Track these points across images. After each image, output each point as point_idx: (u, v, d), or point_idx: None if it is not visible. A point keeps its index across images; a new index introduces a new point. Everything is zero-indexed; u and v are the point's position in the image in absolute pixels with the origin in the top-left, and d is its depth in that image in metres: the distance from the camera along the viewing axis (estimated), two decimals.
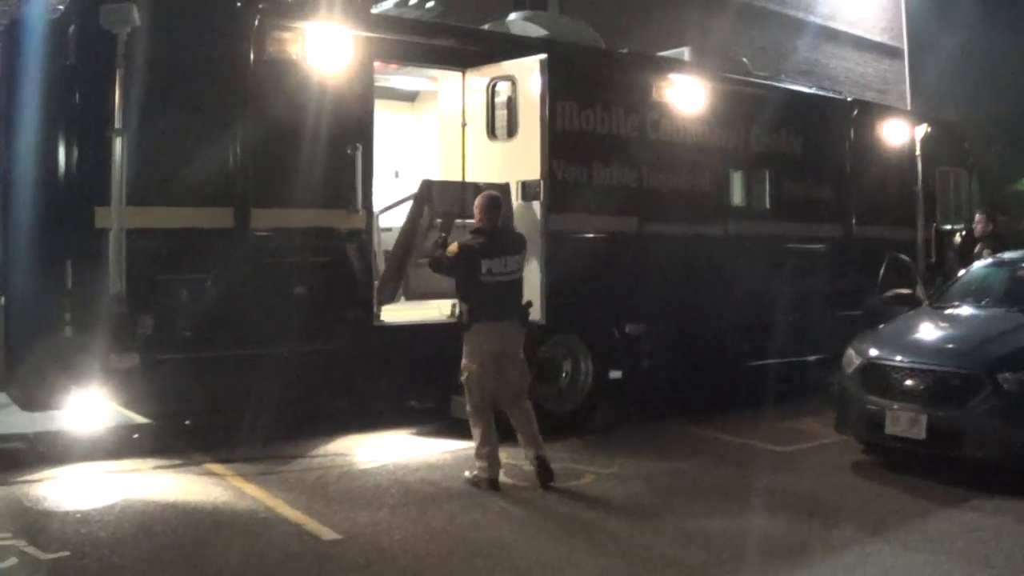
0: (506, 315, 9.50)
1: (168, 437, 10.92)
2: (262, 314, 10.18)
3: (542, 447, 9.54)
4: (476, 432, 9.50)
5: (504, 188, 10.91)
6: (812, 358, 15.30)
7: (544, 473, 9.43)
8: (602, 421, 12.25)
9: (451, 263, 9.53)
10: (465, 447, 10.09)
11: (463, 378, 9.57)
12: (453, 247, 9.52)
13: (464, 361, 9.54)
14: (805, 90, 16.82)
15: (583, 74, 12.41)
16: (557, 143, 11.37)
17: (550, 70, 11.02)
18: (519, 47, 11.98)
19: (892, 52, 33.27)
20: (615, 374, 12.70)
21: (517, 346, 9.62)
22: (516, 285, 9.64)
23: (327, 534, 7.99)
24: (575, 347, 12.03)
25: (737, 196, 14.23)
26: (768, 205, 14.50)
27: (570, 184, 11.96)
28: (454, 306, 10.39)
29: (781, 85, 16.23)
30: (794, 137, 14.83)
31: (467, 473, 9.62)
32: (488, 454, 9.43)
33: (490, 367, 9.44)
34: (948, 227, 17.49)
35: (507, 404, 9.60)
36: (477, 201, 9.78)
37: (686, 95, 13.15)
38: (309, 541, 7.86)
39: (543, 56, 11.08)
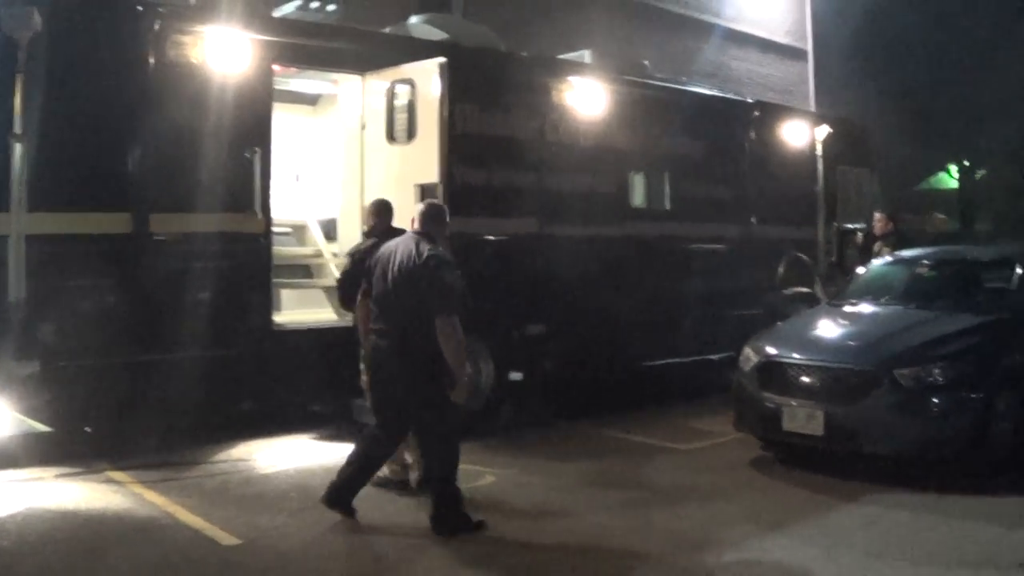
0: None
1: (69, 444, 10.78)
2: (162, 320, 10.12)
3: None
4: None
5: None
6: (714, 357, 15.46)
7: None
8: (504, 423, 12.23)
9: (346, 268, 9.68)
10: None
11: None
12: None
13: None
14: (705, 92, 16.96)
15: (483, 77, 12.41)
16: (456, 146, 11.43)
17: (449, 73, 11.08)
18: (419, 50, 11.99)
19: (796, 54, 33.61)
20: (516, 375, 12.72)
21: None
22: None
23: (226, 539, 7.96)
24: (475, 349, 11.94)
25: (637, 197, 14.32)
26: (668, 206, 14.58)
27: (469, 187, 11.93)
28: None
29: (681, 87, 16.36)
30: (694, 138, 14.97)
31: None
32: None
33: None
34: (850, 226, 17.74)
35: None
36: (368, 207, 10.09)
37: (586, 97, 13.21)
38: (209, 546, 7.83)
39: (442, 59, 11.13)
